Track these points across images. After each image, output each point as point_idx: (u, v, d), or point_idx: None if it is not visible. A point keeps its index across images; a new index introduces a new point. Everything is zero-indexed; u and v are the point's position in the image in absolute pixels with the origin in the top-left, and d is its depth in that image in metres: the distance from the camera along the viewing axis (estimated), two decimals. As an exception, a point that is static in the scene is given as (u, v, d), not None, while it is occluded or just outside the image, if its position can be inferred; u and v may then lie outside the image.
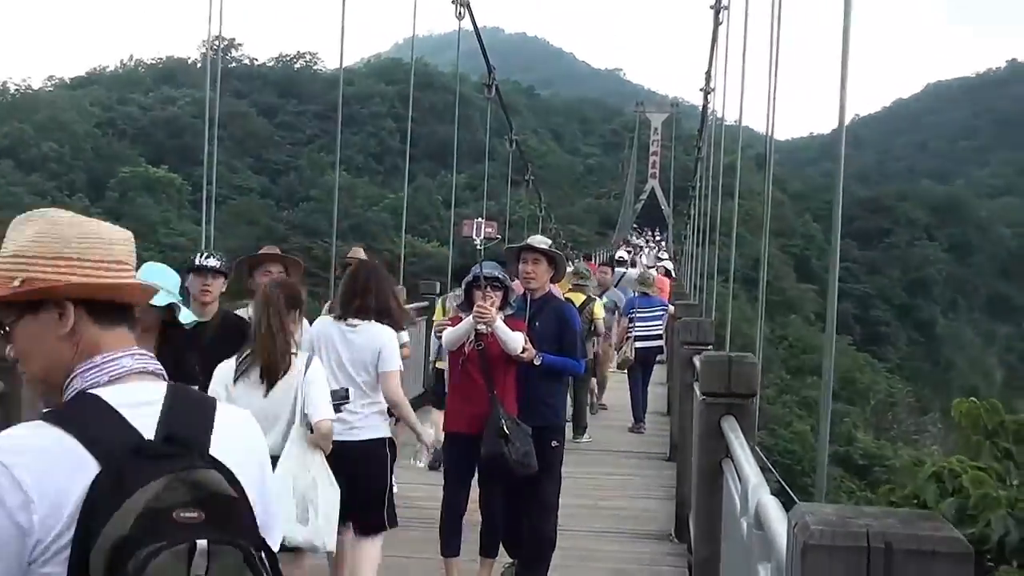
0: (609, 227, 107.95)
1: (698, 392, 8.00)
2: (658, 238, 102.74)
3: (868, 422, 70.71)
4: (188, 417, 2.55)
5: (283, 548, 4.34)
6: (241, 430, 2.72)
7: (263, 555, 2.41)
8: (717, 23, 28.10)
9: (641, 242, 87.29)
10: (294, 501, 6.32)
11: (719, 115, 39.79)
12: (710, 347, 11.00)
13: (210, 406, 2.68)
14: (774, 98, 16.27)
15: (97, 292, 2.54)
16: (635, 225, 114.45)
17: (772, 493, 4.34)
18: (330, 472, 6.62)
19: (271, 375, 6.48)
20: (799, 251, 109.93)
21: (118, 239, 2.64)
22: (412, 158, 28.69)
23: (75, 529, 2.23)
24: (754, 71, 20.36)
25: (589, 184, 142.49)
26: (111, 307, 2.59)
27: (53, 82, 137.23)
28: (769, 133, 16.51)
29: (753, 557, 4.40)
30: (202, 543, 2.24)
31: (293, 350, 6.59)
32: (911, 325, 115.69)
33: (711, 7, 28.20)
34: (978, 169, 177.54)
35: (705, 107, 41.27)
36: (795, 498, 3.82)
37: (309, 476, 6.49)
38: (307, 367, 6.59)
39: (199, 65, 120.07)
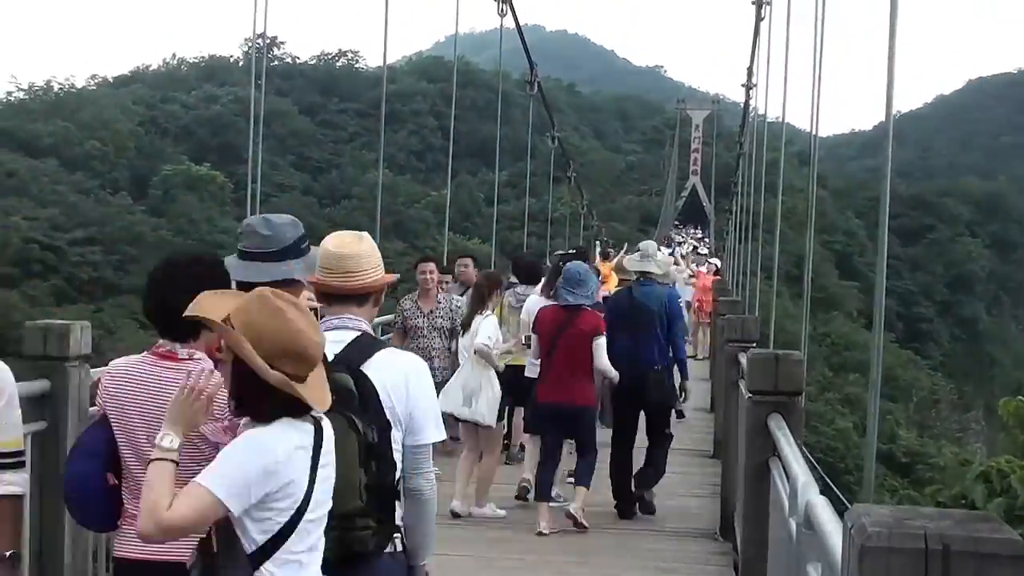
0: (651, 224, 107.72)
1: (744, 390, 7.98)
2: (699, 235, 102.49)
3: (911, 419, 70.40)
4: (354, 351, 4.51)
5: (460, 420, 10.90)
6: (396, 361, 4.64)
7: (375, 431, 4.26)
8: (759, 18, 28.07)
9: (679, 238, 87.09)
10: (462, 395, 10.73)
11: (761, 111, 39.75)
12: (754, 344, 10.94)
13: (375, 348, 4.60)
14: (818, 94, 16.23)
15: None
16: (677, 222, 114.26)
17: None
18: (495, 382, 10.89)
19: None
20: (841, 248, 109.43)
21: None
22: (454, 156, 28.74)
23: None
24: (796, 67, 20.32)
25: (630, 181, 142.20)
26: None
27: (97, 81, 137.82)
28: (814, 130, 16.47)
29: (802, 557, 4.38)
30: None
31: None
32: (954, 322, 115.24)
33: (752, 2, 28.15)
34: (1021, 165, 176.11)
35: (747, 103, 41.18)
36: (841, 497, 3.81)
37: (478, 381, 10.78)
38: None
39: (241, 63, 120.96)
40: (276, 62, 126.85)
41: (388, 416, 4.43)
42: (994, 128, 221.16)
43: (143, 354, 4.72)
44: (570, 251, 20.54)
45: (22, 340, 6.64)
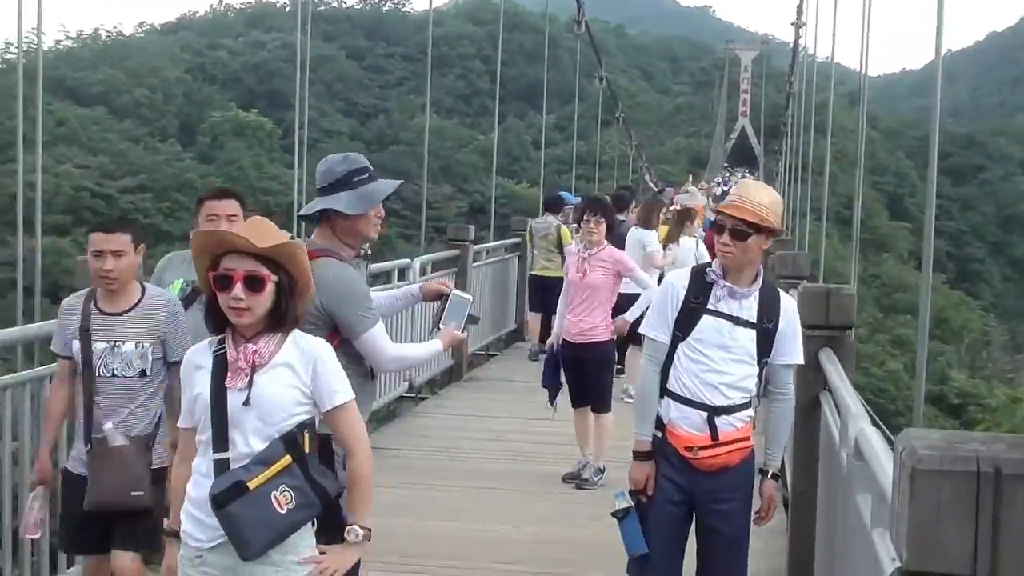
0: (700, 166, 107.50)
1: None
2: (732, 181, 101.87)
3: (962, 360, 70.06)
4: None
5: None
6: None
7: None
8: (809, -44, 27.85)
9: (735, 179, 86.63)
10: None
11: (810, 51, 39.47)
12: (805, 280, 10.92)
13: None
14: (868, 32, 16.10)
15: None
16: (726, 164, 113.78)
17: (870, 426, 4.31)
18: None
19: None
20: (892, 188, 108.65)
21: None
22: (501, 99, 28.72)
23: None
24: (845, 4, 20.15)
25: (679, 123, 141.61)
26: None
27: (144, 28, 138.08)
28: (863, 69, 16.35)
29: (852, 487, 4.38)
30: None
31: None
32: (1005, 262, 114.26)
33: (802, -60, 27.95)
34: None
35: (796, 41, 40.96)
36: (890, 436, 3.78)
37: None
38: None
39: (288, 9, 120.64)
40: (323, 7, 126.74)
41: None
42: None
43: None
44: (621, 189, 20.82)
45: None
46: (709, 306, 5.44)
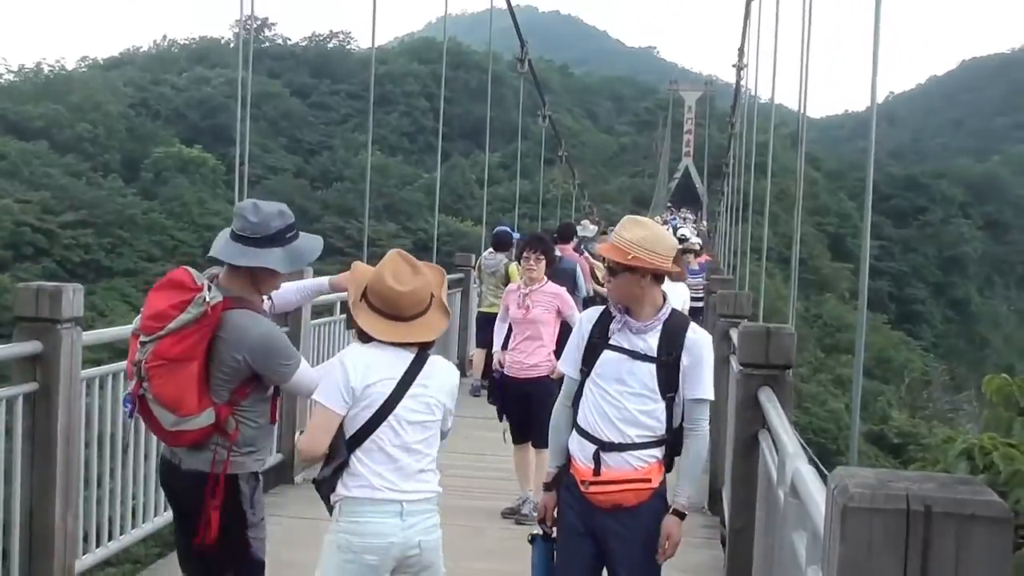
0: (643, 206, 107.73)
1: (734, 364, 7.98)
2: (679, 218, 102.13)
3: (903, 401, 70.51)
4: None
5: None
6: None
7: None
8: (750, -1, 28.07)
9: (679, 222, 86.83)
10: None
11: (752, 92, 39.77)
12: (746, 320, 10.97)
13: None
14: (806, 74, 16.23)
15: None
16: (669, 204, 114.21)
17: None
18: None
19: None
20: (834, 229, 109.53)
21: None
22: (445, 137, 28.80)
23: None
24: (787, 47, 20.33)
25: (623, 163, 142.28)
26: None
27: (87, 63, 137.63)
28: (802, 109, 16.46)
29: (788, 526, 4.40)
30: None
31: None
32: (946, 303, 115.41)
33: (744, -17, 28.18)
34: (1015, 146, 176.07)
35: (738, 82, 41.23)
36: (826, 474, 3.82)
37: None
38: None
39: (232, 45, 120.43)
40: (267, 43, 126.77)
41: None
42: (987, 109, 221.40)
43: None
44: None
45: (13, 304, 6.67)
46: (611, 341, 5.47)
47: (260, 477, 5.44)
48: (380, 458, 4.98)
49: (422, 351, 5.10)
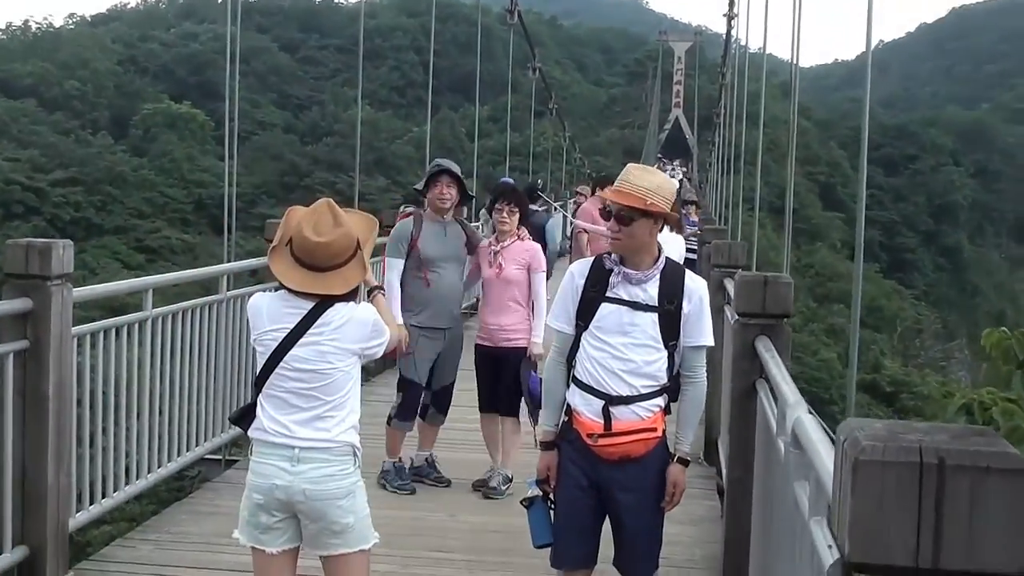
0: (634, 157, 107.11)
1: (729, 314, 7.92)
2: (673, 167, 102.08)
3: (895, 349, 70.86)
4: None
5: None
6: None
7: None
8: (741, -53, 27.92)
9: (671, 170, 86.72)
10: None
11: (743, 42, 39.62)
12: (741, 269, 10.88)
13: None
14: (799, 22, 16.11)
15: None
16: (659, 155, 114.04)
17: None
18: None
19: None
20: (825, 179, 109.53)
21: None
22: (435, 91, 28.63)
23: None
24: (778, -5, 20.20)
25: (613, 115, 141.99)
26: None
27: (74, 20, 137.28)
28: (795, 59, 16.37)
29: (790, 476, 4.36)
30: None
31: None
32: (937, 251, 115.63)
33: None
34: (1004, 93, 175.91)
35: (729, 32, 41.08)
36: (823, 425, 3.77)
37: None
38: None
39: (220, 0, 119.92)
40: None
41: None
42: (978, 57, 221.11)
43: None
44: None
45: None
46: (608, 293, 5.43)
47: None
48: (276, 403, 5.09)
49: (323, 301, 5.10)
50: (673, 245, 12.90)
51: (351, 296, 5.21)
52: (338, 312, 5.12)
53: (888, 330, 73.49)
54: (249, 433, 5.19)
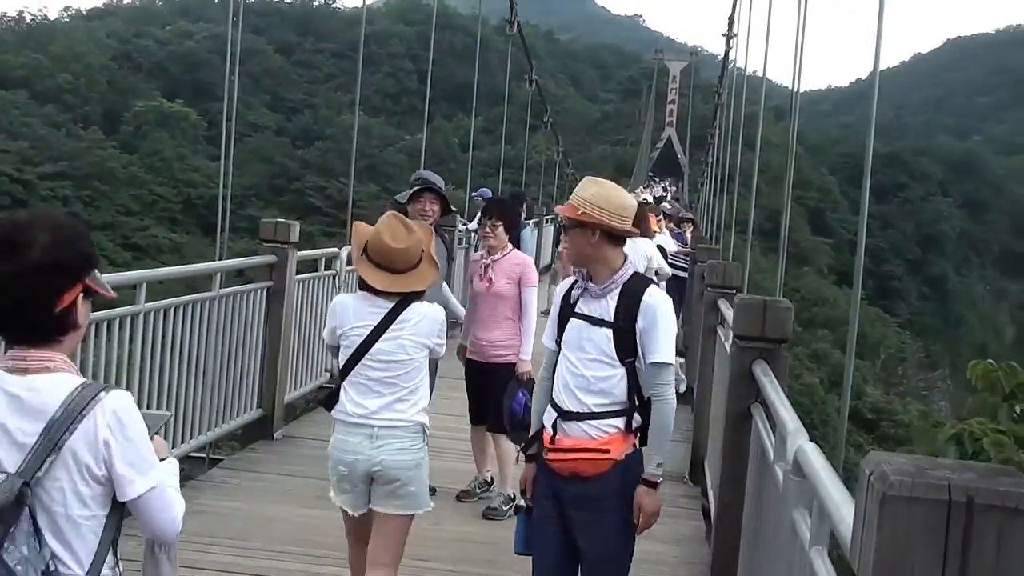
0: (625, 174, 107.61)
1: (722, 336, 7.88)
2: (664, 185, 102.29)
3: (878, 376, 70.90)
4: None
5: None
6: None
7: None
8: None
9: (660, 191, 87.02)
10: None
11: (740, 64, 39.64)
12: (734, 291, 10.84)
13: None
14: (802, 46, 16.10)
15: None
16: (651, 173, 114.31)
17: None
18: None
19: None
20: (815, 204, 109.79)
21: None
22: (430, 100, 28.62)
23: None
24: (777, 19, 20.17)
25: (606, 131, 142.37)
26: None
27: (69, 13, 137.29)
28: (795, 87, 16.34)
29: (788, 503, 4.31)
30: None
31: None
32: (923, 280, 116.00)
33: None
34: (996, 126, 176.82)
35: (727, 51, 41.07)
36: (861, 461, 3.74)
37: None
38: None
39: (217, 0, 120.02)
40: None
41: None
42: (970, 88, 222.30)
43: None
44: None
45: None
46: (576, 309, 5.49)
47: None
48: (360, 389, 6.01)
49: (402, 300, 6.00)
50: (634, 249, 12.66)
51: (422, 295, 6.10)
52: (414, 311, 6.02)
53: (871, 357, 73.52)
54: (332, 414, 6.13)
